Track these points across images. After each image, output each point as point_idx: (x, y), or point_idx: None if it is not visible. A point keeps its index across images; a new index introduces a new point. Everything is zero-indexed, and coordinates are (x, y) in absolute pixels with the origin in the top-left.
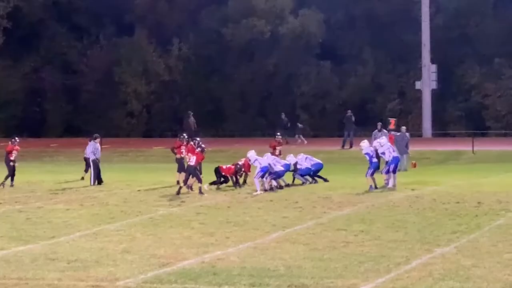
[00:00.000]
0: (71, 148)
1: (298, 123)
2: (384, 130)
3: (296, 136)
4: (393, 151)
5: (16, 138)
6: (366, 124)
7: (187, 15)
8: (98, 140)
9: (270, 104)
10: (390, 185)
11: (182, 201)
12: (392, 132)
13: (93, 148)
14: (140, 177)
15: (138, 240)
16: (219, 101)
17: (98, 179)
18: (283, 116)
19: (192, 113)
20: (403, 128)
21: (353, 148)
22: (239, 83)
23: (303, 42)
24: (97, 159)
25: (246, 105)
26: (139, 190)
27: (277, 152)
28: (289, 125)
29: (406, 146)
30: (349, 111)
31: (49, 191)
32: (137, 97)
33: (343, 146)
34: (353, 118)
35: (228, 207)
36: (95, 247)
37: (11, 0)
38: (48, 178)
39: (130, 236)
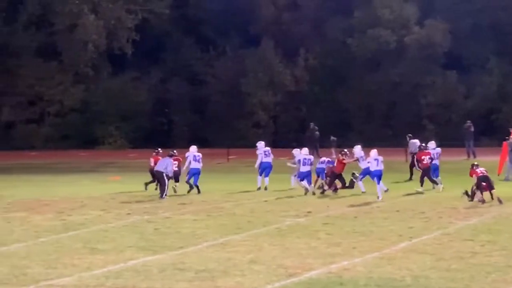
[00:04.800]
0: None
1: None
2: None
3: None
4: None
5: (159, 149)
6: (492, 134)
7: (312, 25)
8: (173, 157)
9: (395, 115)
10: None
11: (309, 212)
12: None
13: (166, 163)
14: (267, 188)
15: (265, 250)
16: (345, 111)
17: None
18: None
19: (313, 124)
20: None
21: (477, 158)
22: (364, 93)
23: (428, 52)
24: (166, 173)
25: (371, 116)
26: (266, 201)
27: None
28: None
29: None
30: (468, 121)
31: (177, 201)
32: (263, 108)
33: (468, 157)
34: (472, 129)
35: (355, 217)
36: (222, 257)
37: (139, 13)
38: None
39: (257, 246)
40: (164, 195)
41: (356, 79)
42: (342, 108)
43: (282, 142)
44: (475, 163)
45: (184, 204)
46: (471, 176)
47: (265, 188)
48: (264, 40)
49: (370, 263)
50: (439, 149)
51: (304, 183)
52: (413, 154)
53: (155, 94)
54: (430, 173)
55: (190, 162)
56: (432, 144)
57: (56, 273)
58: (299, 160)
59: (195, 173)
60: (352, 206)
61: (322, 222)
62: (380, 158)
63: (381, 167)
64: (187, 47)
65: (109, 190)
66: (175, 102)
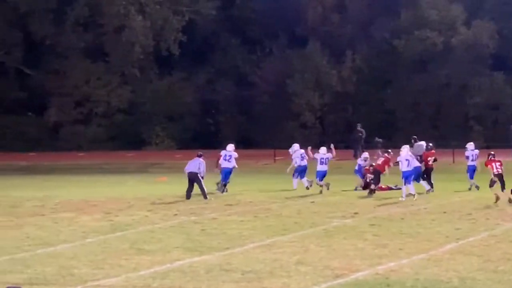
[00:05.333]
0: (243, 160)
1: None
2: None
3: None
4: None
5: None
6: None
7: (359, 26)
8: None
9: (442, 116)
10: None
11: (356, 213)
12: None
13: (198, 163)
14: (313, 189)
15: (311, 252)
16: (392, 112)
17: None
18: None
19: (360, 125)
20: None
21: None
22: (411, 95)
23: (475, 53)
24: (199, 174)
25: (418, 117)
26: (312, 202)
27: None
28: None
29: None
30: None
31: (223, 202)
32: (310, 109)
33: None
34: None
35: (402, 218)
36: (269, 258)
37: (186, 14)
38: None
39: (304, 247)
40: (207, 195)
41: (402, 80)
42: (389, 109)
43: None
44: (492, 152)
45: (230, 205)
46: (487, 166)
47: (307, 188)
48: (311, 41)
49: (417, 265)
50: (477, 151)
51: (322, 182)
52: (417, 157)
53: (201, 95)
54: (430, 174)
55: (222, 162)
56: (470, 145)
57: (103, 273)
58: (317, 159)
59: (225, 172)
60: (399, 207)
61: (369, 223)
62: (412, 158)
63: (412, 167)
64: (233, 48)
65: (156, 191)
66: (221, 103)
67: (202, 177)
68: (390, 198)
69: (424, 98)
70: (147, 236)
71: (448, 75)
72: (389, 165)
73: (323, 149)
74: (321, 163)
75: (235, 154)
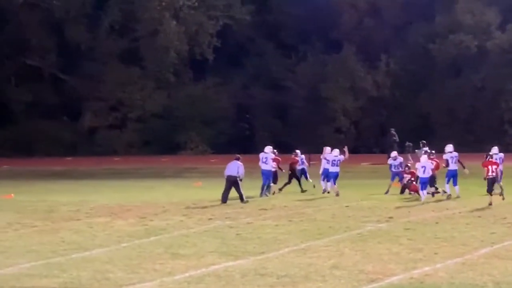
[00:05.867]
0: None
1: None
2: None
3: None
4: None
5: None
6: None
7: (394, 30)
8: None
9: (477, 120)
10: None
11: (390, 217)
12: None
13: (237, 166)
14: (348, 193)
15: (346, 256)
16: (426, 116)
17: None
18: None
19: (393, 130)
20: None
21: None
22: (445, 99)
23: (510, 56)
24: (238, 177)
25: (453, 121)
26: (347, 206)
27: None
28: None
29: None
30: None
31: (258, 207)
32: (344, 113)
33: None
34: None
35: (436, 222)
36: (304, 263)
37: (220, 19)
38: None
39: (339, 252)
40: (245, 198)
41: (437, 84)
42: (423, 113)
43: (364, 147)
44: (490, 153)
45: (265, 209)
46: (484, 167)
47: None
48: (345, 46)
49: (452, 269)
50: (501, 154)
51: (324, 183)
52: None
53: (236, 100)
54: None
55: (260, 164)
56: (495, 149)
57: (138, 278)
58: (328, 161)
59: (264, 175)
60: (434, 211)
61: (404, 227)
62: (429, 165)
63: (428, 174)
64: (268, 53)
65: (190, 195)
66: (256, 108)
67: (241, 180)
68: (425, 202)
69: (458, 102)
70: (182, 240)
71: (483, 79)
72: (438, 168)
73: (335, 151)
74: (333, 164)
75: (272, 156)
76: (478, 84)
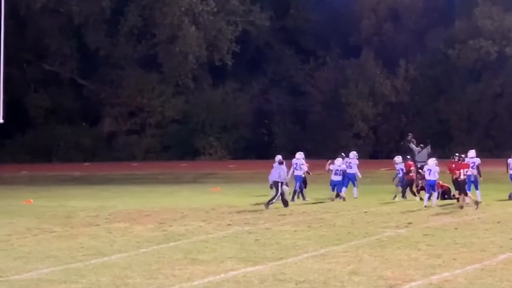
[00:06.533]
0: None
1: (409, 134)
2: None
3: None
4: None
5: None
6: None
7: (413, 36)
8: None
9: (496, 125)
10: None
11: (409, 223)
12: None
13: (278, 171)
14: (366, 199)
15: (365, 262)
16: (446, 122)
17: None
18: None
19: (411, 135)
20: None
21: None
22: (465, 104)
23: None
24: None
25: (472, 126)
26: (366, 212)
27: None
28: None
29: None
30: None
31: (277, 212)
32: (363, 119)
33: None
34: None
35: (456, 228)
36: (322, 268)
37: (240, 24)
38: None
39: (357, 258)
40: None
41: (456, 90)
42: (443, 118)
43: (382, 153)
44: (463, 155)
45: (284, 215)
46: (456, 170)
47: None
48: (364, 51)
49: (471, 275)
50: (478, 159)
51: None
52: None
53: (255, 105)
54: (412, 186)
55: (293, 171)
56: (472, 153)
57: (157, 283)
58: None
59: (298, 180)
60: (453, 217)
61: (423, 233)
62: (435, 168)
63: (434, 177)
64: (287, 58)
65: (209, 201)
66: (275, 113)
67: (286, 184)
68: (444, 207)
69: (478, 108)
70: (201, 246)
71: (503, 85)
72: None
73: (338, 160)
74: (335, 174)
75: (304, 161)
76: (497, 89)
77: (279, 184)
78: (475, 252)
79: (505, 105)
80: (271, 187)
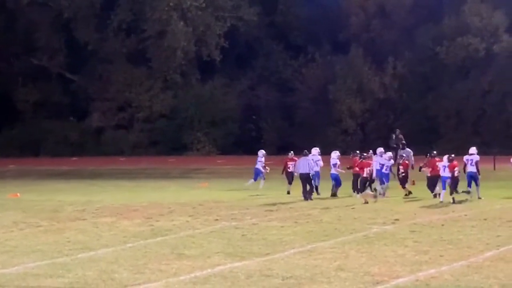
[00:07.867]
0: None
1: (397, 130)
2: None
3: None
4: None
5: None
6: None
7: (402, 33)
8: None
9: (484, 122)
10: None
11: (396, 219)
12: None
13: (306, 163)
14: (354, 195)
15: (352, 258)
16: (434, 118)
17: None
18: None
19: (398, 131)
20: None
21: None
22: (454, 101)
23: None
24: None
25: (460, 123)
26: (353, 208)
27: None
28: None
29: None
30: None
31: (264, 208)
32: (351, 115)
33: None
34: None
35: (442, 225)
36: (309, 264)
37: (228, 20)
38: (263, 194)
39: (344, 254)
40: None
41: (445, 87)
42: (431, 115)
43: (370, 149)
44: (434, 152)
45: (271, 210)
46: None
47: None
48: (353, 47)
49: (458, 272)
50: (477, 157)
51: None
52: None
53: (244, 101)
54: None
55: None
56: (473, 149)
57: (144, 278)
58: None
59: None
60: (440, 214)
61: (410, 229)
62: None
63: (448, 173)
64: (276, 54)
65: (197, 196)
66: (263, 109)
67: (312, 176)
68: (432, 204)
69: (466, 105)
70: (187, 241)
71: (491, 82)
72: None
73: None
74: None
75: (318, 158)
76: (485, 86)
77: (309, 175)
78: (462, 249)
79: (493, 102)
80: (300, 178)
